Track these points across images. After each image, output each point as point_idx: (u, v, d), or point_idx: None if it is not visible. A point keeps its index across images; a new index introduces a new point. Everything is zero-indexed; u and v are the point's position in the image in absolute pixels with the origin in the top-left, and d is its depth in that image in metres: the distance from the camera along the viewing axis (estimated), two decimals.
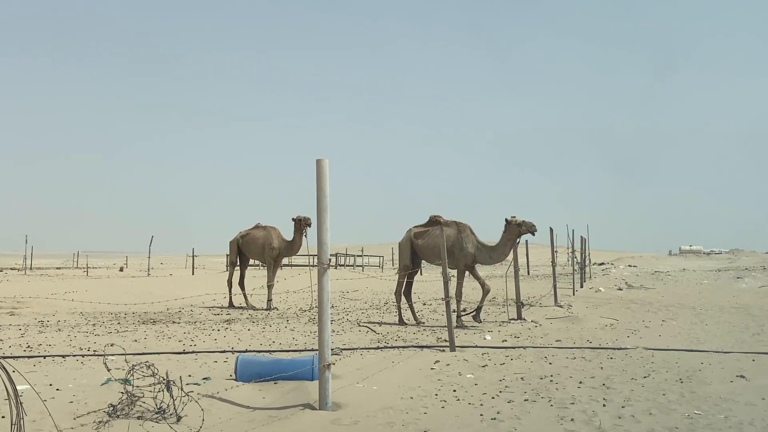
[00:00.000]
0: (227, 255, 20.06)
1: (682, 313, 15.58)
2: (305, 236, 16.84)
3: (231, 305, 17.29)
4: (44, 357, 9.23)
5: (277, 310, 16.45)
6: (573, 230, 25.04)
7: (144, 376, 5.79)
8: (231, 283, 17.82)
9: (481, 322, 13.23)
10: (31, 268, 43.03)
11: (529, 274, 34.59)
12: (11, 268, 45.08)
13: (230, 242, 18.39)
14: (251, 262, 19.06)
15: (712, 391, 7.28)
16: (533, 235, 13.71)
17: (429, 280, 22.11)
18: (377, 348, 10.21)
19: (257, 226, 18.03)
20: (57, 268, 48.50)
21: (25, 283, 26.83)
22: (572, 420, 6.10)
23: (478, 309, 13.46)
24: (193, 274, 37.83)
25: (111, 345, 9.62)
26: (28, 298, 17.48)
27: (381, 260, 55.11)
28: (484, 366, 8.73)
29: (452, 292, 11.93)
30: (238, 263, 18.31)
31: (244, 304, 17.25)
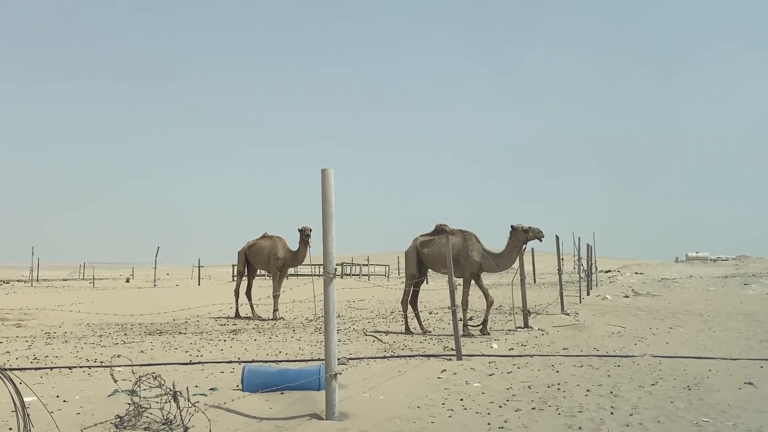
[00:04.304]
0: (233, 265, 20.13)
1: (690, 320, 15.53)
2: (310, 246, 16.90)
3: (237, 315, 17.32)
4: (51, 369, 9.25)
5: (284, 319, 16.46)
6: (579, 238, 25.04)
7: (151, 387, 5.80)
8: (238, 293, 17.86)
9: (488, 334, 13.17)
10: (37, 280, 43.12)
11: (535, 282, 34.52)
12: (18, 280, 45.21)
13: (238, 252, 18.46)
14: (259, 272, 19.08)
15: (720, 399, 7.25)
16: (540, 241, 13.67)
17: (435, 289, 22.08)
18: (384, 357, 10.20)
19: (264, 236, 18.09)
20: (63, 280, 48.62)
21: (32, 294, 26.88)
22: (580, 428, 6.08)
23: (485, 322, 13.38)
24: (199, 284, 37.84)
25: (118, 356, 9.60)
26: (34, 309, 17.50)
27: (387, 269, 55.08)
28: (491, 375, 8.72)
29: (458, 300, 11.91)
30: (246, 273, 18.34)
31: (251, 314, 17.27)
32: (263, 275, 27.69)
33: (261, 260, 17.89)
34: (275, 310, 16.80)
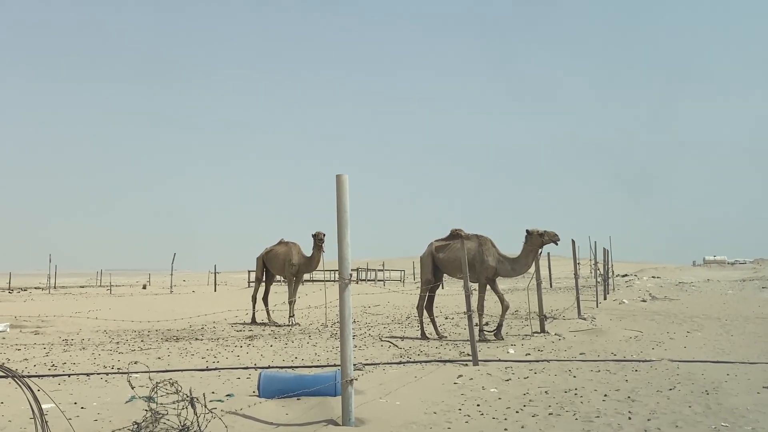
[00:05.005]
0: (249, 271, 20.16)
1: (707, 324, 15.43)
2: (323, 251, 16.95)
3: (254, 321, 17.36)
4: (69, 375, 9.29)
5: (299, 325, 16.47)
6: (595, 242, 24.94)
7: (168, 393, 5.80)
8: (255, 298, 17.93)
9: (502, 339, 13.12)
10: (55, 287, 43.39)
11: (551, 286, 34.39)
12: (35, 287, 45.51)
13: (256, 259, 18.54)
14: (276, 278, 19.16)
15: (738, 403, 7.20)
16: (556, 244, 13.61)
17: (451, 294, 22.06)
18: (400, 363, 10.18)
19: (280, 242, 18.16)
20: (81, 287, 48.87)
21: (50, 301, 27.03)
22: None
23: (499, 326, 13.34)
24: (215, 290, 37.94)
25: (135, 363, 9.65)
26: (52, 316, 17.60)
27: (402, 274, 54.99)
28: (507, 380, 8.69)
29: (474, 305, 11.89)
30: (264, 279, 18.41)
31: (267, 320, 17.31)
32: (278, 281, 27.84)
33: (277, 266, 17.96)
34: (291, 316, 16.83)
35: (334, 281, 31.46)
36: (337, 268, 6.51)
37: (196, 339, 13.63)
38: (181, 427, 5.74)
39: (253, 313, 17.64)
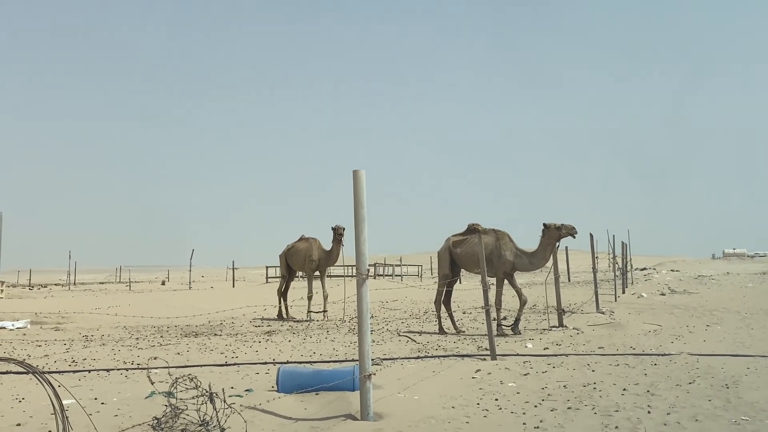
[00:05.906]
0: (266, 267, 20.20)
1: (727, 318, 15.33)
2: (343, 245, 17.01)
3: (279, 316, 17.47)
4: (89, 371, 9.36)
5: (318, 320, 16.52)
6: (614, 236, 24.82)
7: (187, 388, 5.83)
8: (280, 293, 18.05)
9: (520, 333, 13.08)
10: (75, 284, 43.77)
11: (569, 280, 34.29)
12: (55, 284, 45.91)
13: (279, 256, 18.71)
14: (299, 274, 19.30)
15: (759, 397, 7.14)
16: (574, 237, 13.55)
17: (468, 288, 22.01)
18: (417, 358, 10.19)
19: (301, 239, 18.29)
20: (100, 283, 49.29)
21: (69, 298, 27.25)
22: (616, 428, 6.02)
23: (517, 320, 13.31)
24: (233, 286, 38.11)
25: (154, 358, 9.71)
26: (72, 313, 17.73)
27: (420, 269, 55.03)
28: (525, 374, 8.67)
29: (492, 300, 11.87)
30: (287, 275, 18.55)
31: (285, 315, 17.41)
32: (298, 276, 27.95)
33: (298, 262, 18.09)
34: (310, 311, 16.92)
35: (352, 276, 31.54)
36: (355, 264, 6.52)
37: (215, 334, 13.70)
38: (200, 422, 5.77)
39: (279, 309, 17.76)
